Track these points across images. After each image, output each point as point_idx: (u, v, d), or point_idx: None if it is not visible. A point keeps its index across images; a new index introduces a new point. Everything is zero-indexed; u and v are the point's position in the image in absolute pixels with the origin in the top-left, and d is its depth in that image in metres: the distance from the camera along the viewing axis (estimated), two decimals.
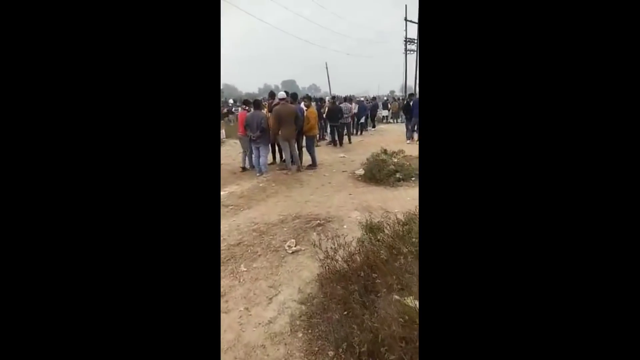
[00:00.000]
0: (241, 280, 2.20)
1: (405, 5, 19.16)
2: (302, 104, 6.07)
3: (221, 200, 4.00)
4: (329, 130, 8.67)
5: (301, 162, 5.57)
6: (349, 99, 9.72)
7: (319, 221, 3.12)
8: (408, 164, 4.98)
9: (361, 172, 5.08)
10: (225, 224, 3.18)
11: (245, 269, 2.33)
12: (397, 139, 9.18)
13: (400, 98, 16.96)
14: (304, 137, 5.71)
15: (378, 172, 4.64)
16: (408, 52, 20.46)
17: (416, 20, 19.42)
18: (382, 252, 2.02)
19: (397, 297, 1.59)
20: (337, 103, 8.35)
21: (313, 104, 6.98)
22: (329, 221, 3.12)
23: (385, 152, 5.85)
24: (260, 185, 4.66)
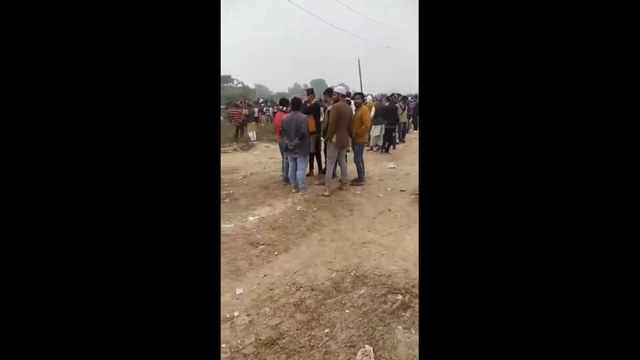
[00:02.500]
0: None
1: None
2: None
3: (249, 231, 2.97)
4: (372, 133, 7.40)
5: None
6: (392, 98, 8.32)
7: (399, 295, 1.96)
8: None
9: None
10: (255, 282, 2.13)
11: None
12: None
13: None
14: (352, 144, 4.56)
15: None
16: None
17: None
18: None
19: None
20: (392, 101, 7.11)
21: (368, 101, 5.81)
22: (416, 296, 1.95)
23: None
24: (298, 208, 3.59)
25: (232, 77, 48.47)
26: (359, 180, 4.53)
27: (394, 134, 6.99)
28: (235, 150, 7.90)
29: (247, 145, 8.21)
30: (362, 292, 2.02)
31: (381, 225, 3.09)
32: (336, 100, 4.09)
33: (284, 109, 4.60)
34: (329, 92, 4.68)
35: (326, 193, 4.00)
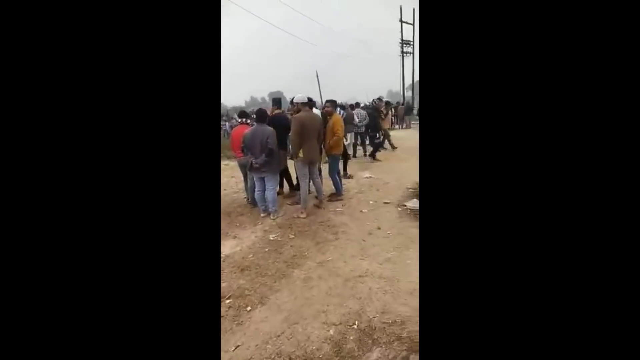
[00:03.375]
0: None
1: (400, 7, 17.99)
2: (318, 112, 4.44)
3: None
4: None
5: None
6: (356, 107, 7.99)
7: None
8: None
9: (415, 204, 3.47)
10: None
11: None
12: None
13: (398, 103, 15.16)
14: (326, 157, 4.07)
15: None
16: (405, 54, 19.22)
17: (411, 21, 18.42)
18: None
19: None
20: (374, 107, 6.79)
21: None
22: None
23: None
24: (272, 237, 2.97)
25: None
26: (337, 195, 4.04)
27: (376, 140, 6.66)
28: None
29: None
30: (374, 356, 1.47)
31: (375, 249, 2.60)
32: (297, 111, 3.55)
33: (247, 121, 3.98)
34: (276, 102, 4.18)
35: (302, 215, 3.44)
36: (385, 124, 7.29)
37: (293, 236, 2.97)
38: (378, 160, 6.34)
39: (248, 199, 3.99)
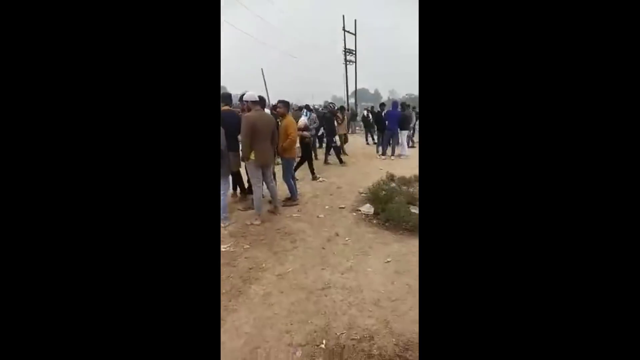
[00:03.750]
0: None
1: (343, 16, 18.53)
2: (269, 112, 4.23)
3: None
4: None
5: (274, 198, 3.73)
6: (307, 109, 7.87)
7: None
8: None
9: (369, 209, 3.55)
10: None
11: None
12: (365, 153, 7.98)
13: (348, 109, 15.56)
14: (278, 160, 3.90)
15: (397, 213, 3.15)
16: (348, 62, 19.89)
17: (352, 31, 19.13)
18: None
19: None
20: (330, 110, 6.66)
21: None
22: None
23: (392, 178, 4.45)
24: (224, 248, 2.71)
25: None
26: (292, 199, 3.92)
27: (333, 145, 6.62)
28: None
29: None
30: None
31: (335, 258, 2.55)
32: (247, 110, 3.31)
33: None
34: (226, 98, 3.72)
35: (257, 222, 3.23)
36: (342, 129, 7.35)
37: (248, 246, 2.75)
38: (344, 164, 6.38)
39: None
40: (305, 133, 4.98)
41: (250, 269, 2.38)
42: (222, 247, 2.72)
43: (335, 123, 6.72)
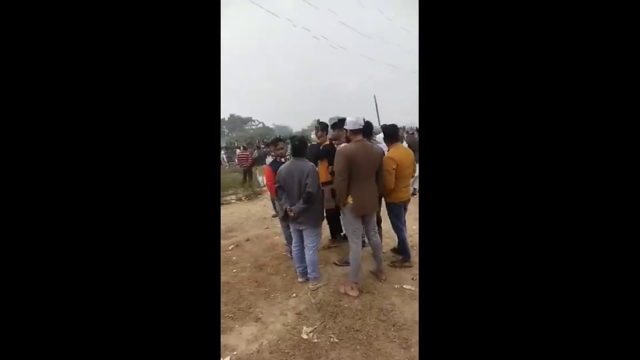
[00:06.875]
0: None
1: None
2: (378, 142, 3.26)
3: None
4: None
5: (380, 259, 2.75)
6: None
7: None
8: None
9: None
10: None
11: None
12: None
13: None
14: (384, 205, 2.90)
15: None
16: None
17: None
18: None
19: None
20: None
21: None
22: None
23: None
24: (305, 336, 1.94)
25: (253, 118, 50.05)
26: (404, 259, 2.83)
27: None
28: (240, 200, 6.66)
29: (254, 193, 7.01)
30: None
31: None
32: (347, 140, 2.41)
33: (279, 156, 2.94)
34: (340, 124, 2.68)
35: (353, 292, 2.35)
36: None
37: (336, 340, 1.89)
38: None
39: (287, 249, 3.08)
40: None
41: None
42: (304, 332, 1.97)
43: None
